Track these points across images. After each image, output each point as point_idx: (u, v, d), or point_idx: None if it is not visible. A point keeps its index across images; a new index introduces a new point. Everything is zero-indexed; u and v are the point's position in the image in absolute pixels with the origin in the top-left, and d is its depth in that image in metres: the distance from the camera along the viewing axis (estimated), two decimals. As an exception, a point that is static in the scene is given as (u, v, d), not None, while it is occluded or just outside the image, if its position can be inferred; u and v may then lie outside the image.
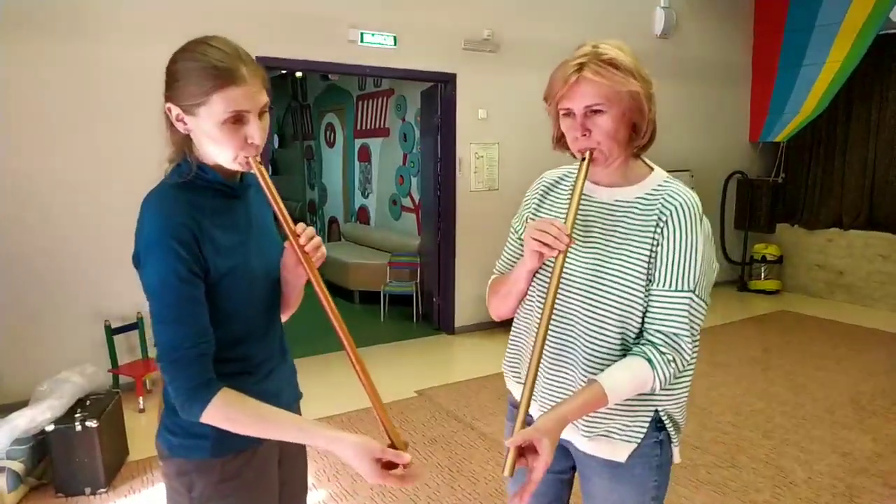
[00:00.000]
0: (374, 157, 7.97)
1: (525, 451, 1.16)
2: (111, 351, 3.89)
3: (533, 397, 1.44)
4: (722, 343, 5.32)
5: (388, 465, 1.13)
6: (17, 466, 2.88)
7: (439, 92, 5.34)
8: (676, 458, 1.42)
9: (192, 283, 1.14)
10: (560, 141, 1.38)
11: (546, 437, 1.14)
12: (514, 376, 1.53)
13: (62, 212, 3.91)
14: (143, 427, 3.66)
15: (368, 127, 8.01)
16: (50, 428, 2.90)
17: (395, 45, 4.91)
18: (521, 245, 1.46)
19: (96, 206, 3.97)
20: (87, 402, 3.10)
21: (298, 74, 9.03)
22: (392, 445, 1.14)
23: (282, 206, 1.19)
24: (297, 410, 1.47)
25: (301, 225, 1.21)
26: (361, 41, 4.76)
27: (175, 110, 1.16)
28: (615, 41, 1.28)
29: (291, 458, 1.42)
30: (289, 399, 1.39)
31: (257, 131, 1.15)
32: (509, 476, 1.15)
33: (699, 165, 6.83)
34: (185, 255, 1.12)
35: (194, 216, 1.16)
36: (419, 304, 6.12)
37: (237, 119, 1.13)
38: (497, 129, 5.53)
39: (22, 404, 3.10)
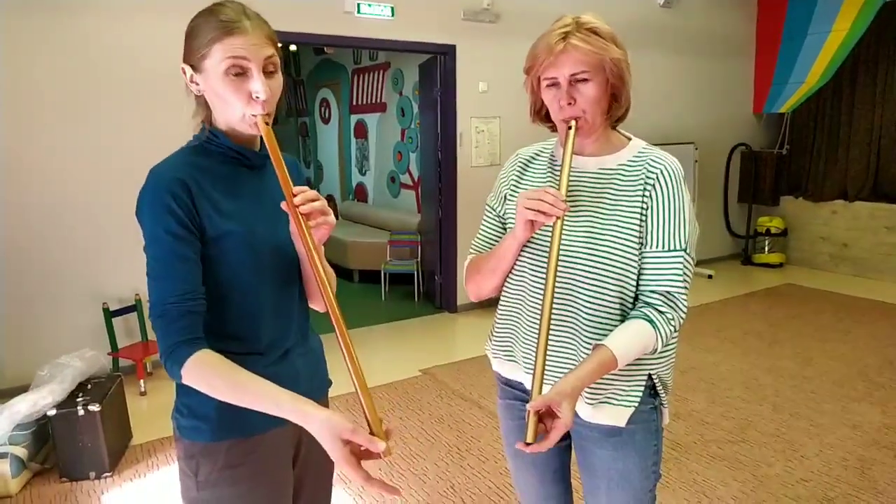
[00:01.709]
0: (371, 133, 7.84)
1: (543, 417, 1.18)
2: (110, 334, 3.84)
3: (530, 372, 1.44)
4: (728, 317, 5.28)
5: (363, 454, 1.03)
6: (21, 452, 2.84)
7: (438, 64, 5.22)
8: (666, 420, 1.46)
9: (184, 240, 1.11)
10: (539, 113, 1.42)
11: (565, 401, 1.17)
12: (504, 356, 1.52)
13: (58, 196, 3.82)
14: (144, 410, 3.62)
15: (365, 102, 7.86)
16: (52, 412, 2.86)
17: (392, 15, 4.78)
18: (500, 223, 1.50)
19: (92, 190, 3.89)
20: (89, 386, 3.06)
21: (292, 48, 8.84)
22: (371, 433, 1.03)
23: (284, 169, 1.14)
24: (324, 399, 1.41)
25: (304, 187, 1.15)
26: (358, 12, 4.63)
27: (188, 70, 1.17)
28: (592, 13, 1.31)
29: (310, 448, 1.34)
30: (310, 386, 1.30)
31: (262, 86, 1.12)
32: (532, 441, 1.15)
33: (702, 138, 6.73)
34: (178, 210, 1.11)
35: (194, 175, 1.15)
36: (420, 282, 6.06)
37: (240, 72, 1.12)
38: (498, 103, 5.42)
39: (22, 390, 3.05)
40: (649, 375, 1.38)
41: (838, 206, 6.75)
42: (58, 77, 3.74)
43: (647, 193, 1.31)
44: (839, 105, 6.84)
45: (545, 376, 1.37)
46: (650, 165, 1.33)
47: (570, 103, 1.29)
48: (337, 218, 8.29)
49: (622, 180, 1.34)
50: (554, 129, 1.41)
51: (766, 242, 7.10)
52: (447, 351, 4.67)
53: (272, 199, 1.19)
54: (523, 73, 1.37)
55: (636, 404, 1.37)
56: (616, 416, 1.38)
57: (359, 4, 4.61)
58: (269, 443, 1.24)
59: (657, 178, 1.31)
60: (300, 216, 1.11)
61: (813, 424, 3.33)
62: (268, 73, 1.15)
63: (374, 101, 7.66)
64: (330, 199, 9.12)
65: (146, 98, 3.94)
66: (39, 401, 2.88)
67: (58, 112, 3.77)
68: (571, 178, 1.36)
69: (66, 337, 3.78)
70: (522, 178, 1.48)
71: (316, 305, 1.37)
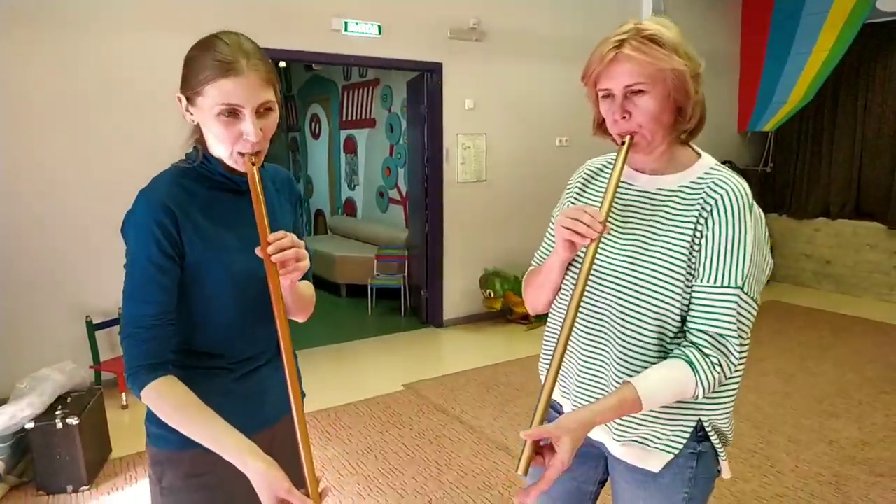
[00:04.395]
0: (360, 149, 7.90)
1: (543, 450, 1.09)
2: (93, 347, 3.83)
3: (565, 394, 1.40)
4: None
5: None
6: (-3, 465, 2.83)
7: (426, 82, 5.28)
8: (726, 473, 1.32)
9: (163, 268, 1.14)
10: (601, 126, 1.29)
11: (566, 437, 1.07)
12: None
13: (43, 208, 3.83)
14: (126, 424, 3.61)
15: (354, 118, 7.93)
16: (30, 426, 2.85)
17: (379, 34, 4.84)
18: None
19: (78, 203, 3.90)
20: (69, 400, 3.05)
21: (282, 64, 8.91)
22: (306, 493, 1.07)
23: (263, 212, 1.14)
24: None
25: (281, 233, 1.14)
26: (346, 30, 4.69)
27: (183, 100, 1.17)
28: (660, 18, 1.20)
29: (282, 454, 1.36)
30: (278, 400, 1.32)
31: (252, 128, 1.12)
32: (523, 475, 1.08)
33: (687, 155, 6.81)
34: (162, 239, 1.13)
35: (181, 201, 1.17)
36: (407, 297, 6.08)
37: (231, 112, 1.11)
38: (484, 120, 5.48)
39: (2, 402, 3.04)
40: (699, 421, 1.25)
41: (821, 224, 6.84)
42: (47, 91, 3.77)
43: (701, 221, 1.18)
44: (822, 123, 6.96)
45: (574, 402, 1.34)
46: (711, 189, 1.19)
47: (623, 117, 1.18)
48: (326, 232, 8.27)
49: (678, 204, 1.22)
50: None
51: (751, 259, 7.16)
52: (432, 366, 4.68)
53: (255, 227, 1.19)
54: (580, 80, 1.25)
55: (677, 451, 1.25)
56: (649, 460, 1.28)
57: (346, 23, 4.68)
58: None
59: (716, 203, 1.18)
60: (272, 265, 1.12)
61: (791, 440, 3.36)
62: (261, 114, 1.15)
63: (363, 116, 7.73)
64: (319, 213, 9.15)
65: (136, 113, 3.97)
66: (18, 413, 2.87)
67: (47, 125, 3.80)
68: (627, 197, 1.28)
69: (48, 349, 3.77)
70: (585, 191, 1.39)
71: (295, 318, 1.38)
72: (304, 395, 1.48)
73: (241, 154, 1.15)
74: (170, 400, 1.12)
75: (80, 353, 3.76)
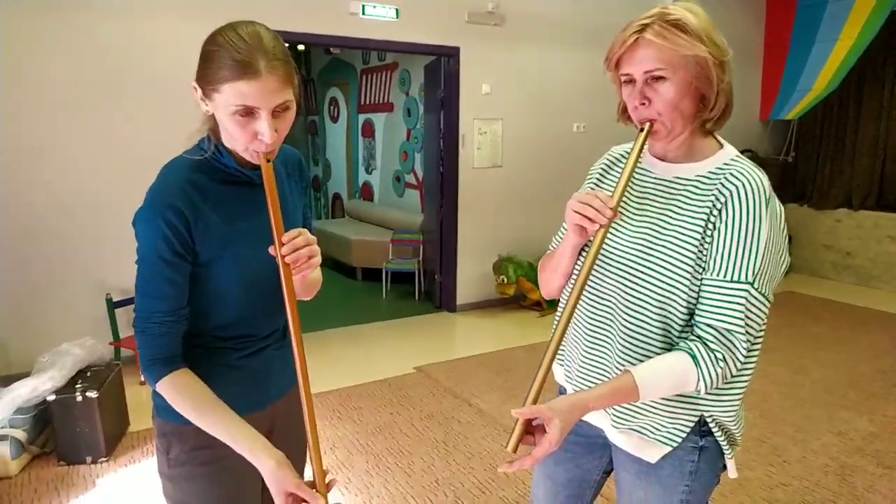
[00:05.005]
0: (377, 133, 7.92)
1: (535, 430, 1.11)
2: (112, 324, 3.93)
3: (569, 378, 1.42)
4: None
5: (301, 499, 1.12)
6: (20, 435, 2.93)
7: (442, 66, 5.28)
8: (732, 473, 1.32)
9: (173, 265, 1.16)
10: (625, 112, 1.26)
11: (557, 418, 1.08)
12: (557, 357, 1.45)
13: (66, 188, 3.93)
14: (143, 399, 3.70)
15: (372, 102, 7.95)
16: (51, 398, 2.95)
17: (396, 17, 4.84)
18: None
19: (99, 182, 3.99)
20: (88, 374, 3.15)
21: (301, 47, 8.95)
22: (312, 485, 1.12)
23: (277, 210, 1.15)
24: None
25: (295, 232, 1.15)
26: (363, 13, 4.70)
27: (198, 91, 1.15)
28: (687, 3, 1.17)
29: (283, 429, 1.42)
30: (282, 379, 1.38)
31: (267, 129, 1.10)
32: (512, 451, 1.09)
33: (707, 143, 6.74)
34: (172, 238, 1.14)
35: (192, 198, 1.16)
36: (421, 281, 6.13)
37: (247, 112, 1.10)
38: (501, 105, 5.47)
39: (25, 375, 3.14)
40: (702, 416, 1.24)
41: (842, 215, 6.74)
42: (71, 73, 3.84)
43: (715, 212, 1.16)
44: (846, 113, 6.84)
45: (576, 386, 1.36)
46: (727, 181, 1.17)
47: (643, 103, 1.16)
48: (343, 216, 8.31)
49: (693, 194, 1.20)
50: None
51: (770, 249, 7.09)
52: (443, 349, 4.73)
53: (267, 216, 1.19)
54: (603, 64, 1.23)
55: (675, 444, 1.25)
56: (646, 450, 1.29)
57: (364, 6, 4.69)
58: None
59: (730, 196, 1.15)
60: (286, 264, 1.14)
61: (799, 430, 3.36)
62: (277, 114, 1.13)
63: (381, 100, 7.74)
64: (337, 197, 9.21)
65: (155, 93, 4.03)
66: (40, 386, 2.97)
67: (69, 106, 3.88)
68: (644, 184, 1.28)
69: (69, 325, 3.88)
70: (606, 177, 1.38)
71: (300, 297, 1.39)
72: None
73: (256, 152, 1.15)
74: (185, 393, 1.17)
75: (100, 330, 3.86)
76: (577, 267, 1.32)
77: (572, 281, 1.34)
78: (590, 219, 1.15)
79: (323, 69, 9.10)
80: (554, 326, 1.43)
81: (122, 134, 4.01)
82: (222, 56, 1.08)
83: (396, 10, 4.83)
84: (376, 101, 7.86)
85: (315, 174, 9.91)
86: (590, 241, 1.23)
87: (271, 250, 1.14)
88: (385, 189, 7.92)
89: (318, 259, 1.20)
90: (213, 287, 1.22)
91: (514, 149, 5.58)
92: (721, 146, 1.25)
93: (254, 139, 1.12)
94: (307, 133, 10.04)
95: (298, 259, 1.14)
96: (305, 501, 1.11)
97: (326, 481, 1.14)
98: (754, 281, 1.13)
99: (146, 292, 1.17)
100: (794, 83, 6.92)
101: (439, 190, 5.53)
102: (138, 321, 1.18)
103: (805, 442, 3.23)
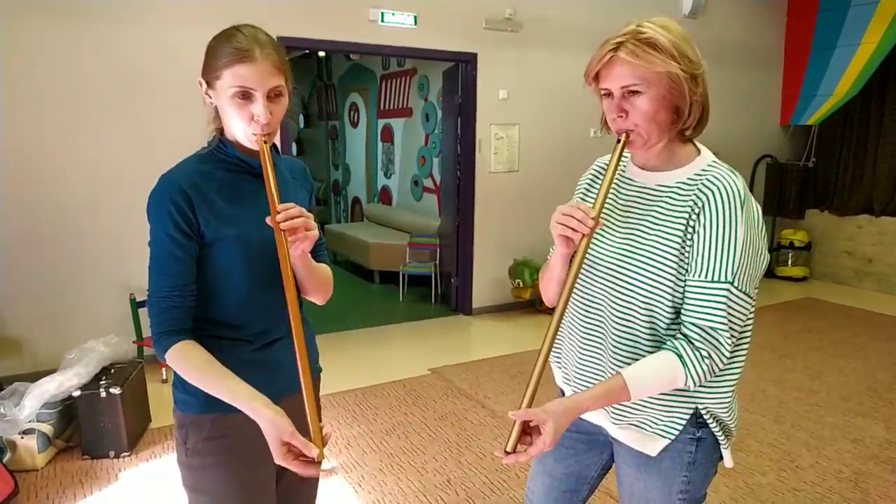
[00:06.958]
0: (396, 138, 8.00)
1: (532, 431, 1.17)
2: (136, 323, 4.04)
3: (566, 380, 1.48)
4: (741, 328, 5.27)
5: (298, 451, 1.17)
6: (47, 429, 3.03)
7: (460, 72, 5.34)
8: (728, 462, 1.37)
9: (180, 243, 1.26)
10: (607, 123, 1.33)
11: (551, 420, 1.15)
12: (556, 363, 1.53)
13: (91, 191, 4.05)
14: (165, 397, 3.80)
15: (391, 107, 8.03)
16: (77, 393, 3.05)
17: (415, 24, 4.92)
18: None
19: (124, 186, 4.10)
20: (112, 371, 3.25)
21: (322, 54, 9.08)
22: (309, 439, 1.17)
23: (273, 185, 1.24)
24: (315, 384, 1.53)
25: (290, 203, 1.24)
26: (382, 21, 4.78)
27: (203, 84, 1.30)
28: (662, 19, 1.23)
29: (297, 426, 1.46)
30: (291, 374, 1.42)
31: (262, 110, 1.23)
32: (511, 451, 1.15)
33: (727, 149, 6.66)
34: (177, 217, 1.25)
35: (198, 183, 1.28)
36: (437, 284, 6.18)
37: (244, 95, 1.23)
38: (518, 110, 5.51)
39: (52, 372, 3.25)
40: (696, 409, 1.30)
41: (864, 221, 6.66)
42: (97, 78, 3.97)
43: (693, 217, 1.22)
44: (867, 118, 6.76)
45: (574, 388, 1.42)
46: (703, 186, 1.23)
47: (620, 116, 1.24)
48: (362, 219, 8.40)
49: (673, 200, 1.27)
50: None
51: (790, 255, 7.03)
52: (459, 352, 4.77)
53: (267, 201, 1.29)
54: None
55: (674, 436, 1.31)
56: (646, 443, 1.34)
57: (382, 13, 4.77)
58: (252, 419, 1.36)
59: (707, 200, 1.21)
60: (281, 232, 1.23)
61: (813, 436, 3.34)
62: (272, 98, 1.26)
63: (400, 106, 7.82)
64: (356, 201, 9.31)
65: (180, 100, 4.13)
66: (66, 382, 3.07)
67: (97, 110, 4.00)
68: (628, 192, 1.34)
69: (94, 324, 4.00)
70: (593, 187, 1.46)
71: (313, 298, 1.48)
72: (320, 370, 1.59)
73: (254, 134, 1.27)
74: (189, 358, 1.25)
75: (124, 328, 3.97)
76: None
77: (578, 293, 1.41)
78: (573, 229, 1.22)
79: (343, 75, 9.22)
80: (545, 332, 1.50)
81: (147, 139, 4.12)
82: (224, 47, 1.23)
83: (415, 17, 4.90)
84: (395, 107, 7.94)
85: (335, 178, 10.03)
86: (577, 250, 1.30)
87: (269, 220, 1.22)
88: (403, 193, 7.99)
89: (316, 233, 1.28)
90: (220, 267, 1.31)
91: (530, 154, 5.61)
92: (699, 152, 1.31)
93: (251, 121, 1.25)
94: (328, 137, 10.17)
95: (294, 227, 1.22)
96: (303, 456, 1.16)
97: (323, 433, 1.19)
98: (734, 280, 1.19)
99: (155, 270, 1.27)
100: (815, 88, 6.86)
101: (456, 194, 5.58)
102: (149, 297, 1.27)
103: (819, 448, 3.22)
